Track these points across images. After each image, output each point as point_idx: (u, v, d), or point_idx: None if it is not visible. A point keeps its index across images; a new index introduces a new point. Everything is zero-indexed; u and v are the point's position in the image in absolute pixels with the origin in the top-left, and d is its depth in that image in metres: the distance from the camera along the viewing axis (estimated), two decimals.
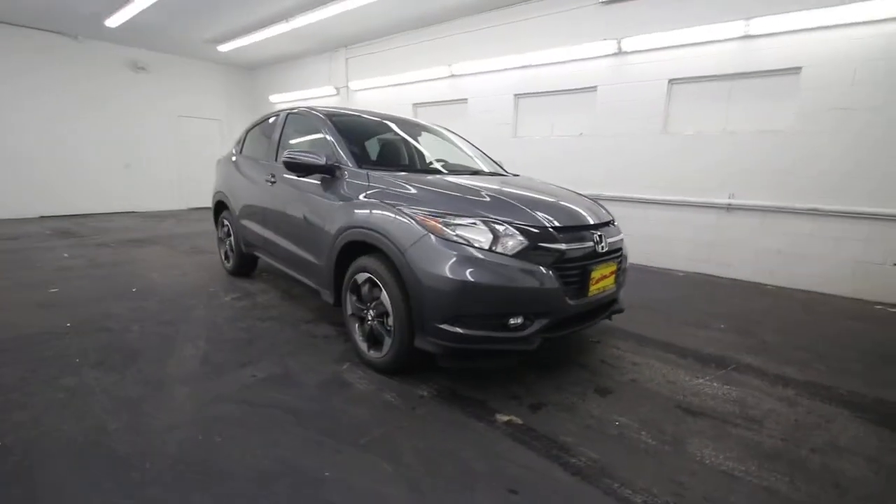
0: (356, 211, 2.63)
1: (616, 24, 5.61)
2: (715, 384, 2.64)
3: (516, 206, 2.36)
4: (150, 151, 9.95)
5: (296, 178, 3.22)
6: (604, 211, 2.89)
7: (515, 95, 6.72)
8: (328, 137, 3.16)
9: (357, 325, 2.73)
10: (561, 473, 1.80)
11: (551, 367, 2.76)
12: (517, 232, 2.23)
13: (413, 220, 2.29)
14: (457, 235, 2.19)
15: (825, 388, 2.64)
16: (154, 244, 6.28)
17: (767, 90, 4.84)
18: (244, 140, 4.50)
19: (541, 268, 2.21)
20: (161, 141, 10.08)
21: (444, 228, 2.21)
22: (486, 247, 2.17)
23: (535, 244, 2.24)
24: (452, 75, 7.31)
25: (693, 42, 5.11)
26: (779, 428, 2.21)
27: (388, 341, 2.47)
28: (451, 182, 2.69)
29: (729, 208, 5.18)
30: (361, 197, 2.66)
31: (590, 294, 2.42)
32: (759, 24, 4.68)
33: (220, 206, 4.71)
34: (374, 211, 2.51)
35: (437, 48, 7.43)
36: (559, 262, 2.28)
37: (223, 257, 4.77)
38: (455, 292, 2.12)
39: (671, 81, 5.39)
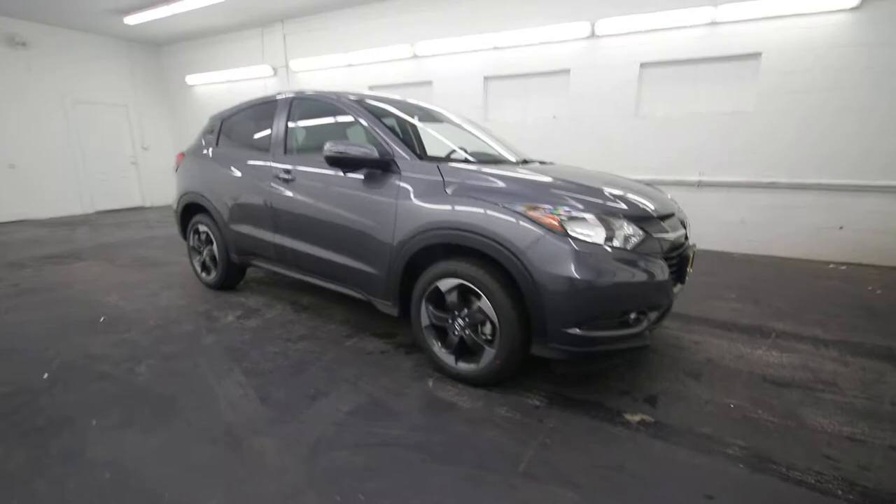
0: (436, 208, 2.33)
1: (589, 7, 5.67)
2: (774, 353, 2.82)
3: (620, 197, 2.25)
4: (42, 146, 8.18)
5: (330, 174, 2.81)
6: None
7: (485, 78, 6.57)
8: (367, 125, 2.77)
9: (435, 336, 2.47)
10: (733, 468, 1.78)
11: (627, 356, 2.75)
12: (632, 224, 2.13)
13: (524, 217, 2.08)
14: (576, 232, 2.04)
15: (855, 344, 2.95)
16: (82, 259, 5.20)
17: (731, 74, 5.25)
18: (219, 130, 3.83)
19: (657, 259, 2.15)
20: (54, 133, 8.33)
21: (563, 225, 2.04)
22: (604, 241, 2.05)
23: (649, 235, 2.16)
24: (415, 56, 6.93)
25: (664, 27, 5.35)
26: (853, 387, 2.41)
27: (487, 352, 2.26)
28: (525, 173, 2.49)
29: (699, 185, 5.59)
30: (437, 193, 2.36)
31: (685, 280, 2.42)
32: (724, 12, 5.02)
33: (190, 210, 4.00)
34: (464, 208, 2.24)
35: (397, 25, 6.97)
36: (666, 252, 2.24)
37: (198, 269, 4.08)
38: (585, 293, 1.98)
39: (643, 65, 5.62)
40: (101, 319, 3.32)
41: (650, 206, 2.32)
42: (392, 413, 2.15)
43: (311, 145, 3.23)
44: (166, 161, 9.37)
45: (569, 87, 6.05)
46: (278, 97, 3.38)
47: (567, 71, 6.03)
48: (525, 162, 3.28)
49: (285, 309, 3.56)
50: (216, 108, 4.53)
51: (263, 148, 3.37)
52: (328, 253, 2.90)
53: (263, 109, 3.50)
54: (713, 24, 5.15)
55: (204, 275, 4.05)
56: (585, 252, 2.00)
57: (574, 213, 2.06)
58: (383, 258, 2.58)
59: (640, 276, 2.07)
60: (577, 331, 2.03)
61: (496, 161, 3.13)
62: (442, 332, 2.45)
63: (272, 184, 3.16)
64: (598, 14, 5.60)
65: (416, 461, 1.81)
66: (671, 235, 2.28)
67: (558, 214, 2.06)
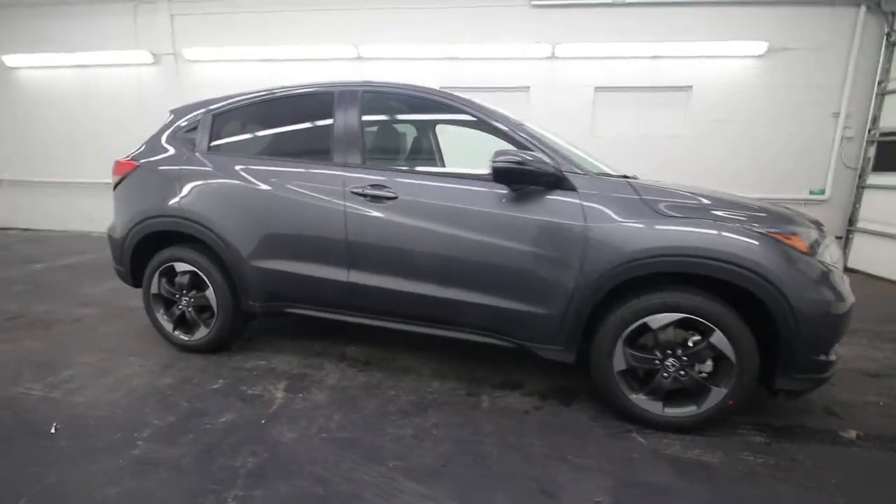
0: (652, 232, 1.97)
1: (548, 29, 5.84)
2: (867, 349, 3.14)
3: (790, 215, 2.22)
4: None
5: (465, 189, 2.23)
6: None
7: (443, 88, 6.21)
8: (509, 130, 2.25)
9: (628, 382, 2.09)
10: None
11: None
12: (830, 243, 2.13)
13: (771, 238, 1.89)
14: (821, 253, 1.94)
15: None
16: None
17: (670, 102, 5.99)
18: (210, 130, 2.71)
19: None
20: None
21: (811, 247, 1.92)
22: (834, 261, 2.00)
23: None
24: (360, 58, 6.18)
25: (616, 56, 5.83)
26: None
27: (715, 393, 1.99)
28: (710, 190, 2.30)
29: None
30: (644, 214, 2.01)
31: None
32: (664, 48, 5.71)
33: (152, 243, 2.73)
34: (694, 230, 1.94)
35: (337, 22, 6.11)
36: None
37: (168, 327, 2.80)
38: (837, 316, 1.89)
39: (597, 89, 6.03)
40: (54, 428, 1.98)
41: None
42: (660, 490, 1.72)
43: (405, 151, 2.51)
44: None
45: (529, 105, 6.13)
46: (334, 88, 2.52)
47: (527, 88, 6.11)
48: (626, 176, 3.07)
49: (339, 367, 2.67)
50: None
51: (316, 154, 2.48)
52: (459, 293, 2.24)
53: (304, 103, 2.60)
54: (656, 57, 5.81)
55: (179, 333, 2.79)
56: (832, 273, 1.92)
57: (810, 235, 1.97)
58: (559, 295, 2.09)
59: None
60: (823, 357, 1.92)
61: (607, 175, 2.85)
62: (645, 377, 2.09)
63: (349, 203, 2.32)
64: (558, 38, 5.82)
65: None
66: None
67: (795, 235, 1.93)
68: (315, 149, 2.53)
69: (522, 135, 2.23)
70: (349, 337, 3.07)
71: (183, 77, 6.56)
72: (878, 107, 5.44)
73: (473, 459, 1.87)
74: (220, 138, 2.72)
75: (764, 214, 2.02)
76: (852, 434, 2.11)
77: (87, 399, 2.25)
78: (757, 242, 1.89)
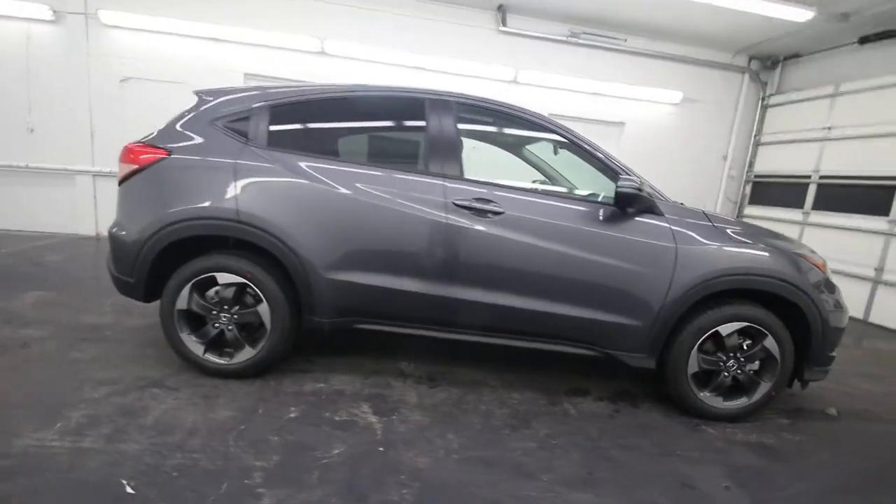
0: (726, 253, 2.33)
1: (512, 55, 6.24)
2: None
3: (807, 246, 2.81)
4: None
5: (568, 209, 2.38)
6: None
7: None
8: (603, 157, 2.45)
9: (697, 382, 2.43)
10: None
11: None
12: None
13: (806, 261, 2.40)
14: (830, 271, 2.51)
15: None
16: None
17: (608, 135, 6.83)
18: (268, 121, 2.38)
19: None
20: None
21: (825, 266, 2.47)
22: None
23: None
24: (324, 53, 5.82)
25: (566, 88, 6.48)
26: None
27: (762, 387, 2.44)
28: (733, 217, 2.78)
29: None
30: (718, 238, 2.37)
31: None
32: (603, 87, 6.54)
33: (183, 249, 2.30)
34: (755, 252, 2.36)
35: (302, 10, 5.67)
36: None
37: (197, 350, 2.35)
38: (845, 320, 2.48)
39: (550, 115, 6.59)
40: (129, 487, 1.56)
41: None
42: (759, 470, 2.06)
43: (499, 166, 2.53)
44: None
45: None
46: (424, 95, 2.43)
47: None
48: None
49: (407, 384, 2.55)
50: None
51: (404, 161, 2.38)
52: (560, 307, 2.35)
53: (388, 106, 2.47)
54: (596, 94, 6.61)
55: (212, 356, 2.37)
56: (838, 290, 2.50)
57: (816, 257, 2.54)
58: (650, 308, 2.34)
59: None
60: (832, 354, 2.50)
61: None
62: (698, 377, 2.44)
63: (451, 215, 2.27)
64: (521, 64, 6.26)
65: None
66: None
67: (821, 261, 2.49)
68: (403, 155, 2.43)
69: (616, 162, 2.45)
70: (395, 351, 2.93)
71: (94, 44, 5.41)
72: (754, 154, 6.97)
73: (608, 464, 2.00)
74: (280, 132, 2.41)
75: (793, 242, 2.54)
76: (833, 412, 2.75)
77: (141, 446, 1.81)
78: (801, 266, 2.39)
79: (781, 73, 6.72)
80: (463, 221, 2.29)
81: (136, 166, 2.31)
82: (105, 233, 5.28)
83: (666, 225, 2.36)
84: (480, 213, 2.29)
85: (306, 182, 2.29)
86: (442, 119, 2.41)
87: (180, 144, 2.33)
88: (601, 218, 2.35)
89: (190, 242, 2.32)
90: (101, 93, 5.50)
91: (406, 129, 2.58)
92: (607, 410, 2.50)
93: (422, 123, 2.41)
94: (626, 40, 6.37)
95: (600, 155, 2.48)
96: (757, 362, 2.44)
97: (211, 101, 2.46)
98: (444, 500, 1.67)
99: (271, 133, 2.38)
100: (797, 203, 6.13)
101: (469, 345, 2.50)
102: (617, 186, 2.23)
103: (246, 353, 2.38)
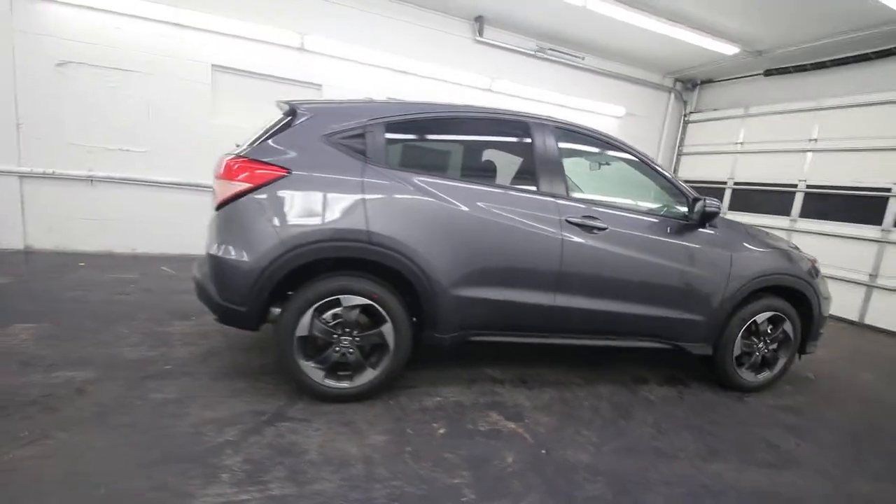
0: (762, 257, 2.90)
1: (487, 65, 6.51)
2: None
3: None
4: None
5: (648, 221, 2.73)
6: None
7: (389, 100, 6.10)
8: (672, 178, 2.83)
9: (739, 363, 2.98)
10: None
11: None
12: None
13: (810, 261, 3.07)
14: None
15: None
16: None
17: None
18: (384, 139, 2.34)
19: None
20: None
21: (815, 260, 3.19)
22: None
23: None
24: (303, 49, 5.49)
25: (534, 99, 6.93)
26: None
27: (780, 362, 3.07)
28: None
29: None
30: (752, 244, 2.93)
31: None
32: (568, 100, 7.14)
33: (306, 268, 2.19)
34: (777, 257, 2.96)
35: (280, 1, 5.26)
36: None
37: (316, 376, 2.25)
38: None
39: None
40: None
41: None
42: (804, 428, 2.64)
43: (599, 185, 2.76)
44: None
45: None
46: (529, 119, 2.58)
47: None
48: None
49: (509, 389, 2.71)
50: None
51: (514, 180, 2.51)
52: (647, 308, 2.70)
53: (493, 128, 2.57)
54: (561, 106, 7.16)
55: (331, 381, 2.29)
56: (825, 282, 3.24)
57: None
58: (710, 305, 2.81)
59: None
60: (822, 331, 3.22)
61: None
62: (742, 357, 2.99)
63: (565, 232, 2.48)
64: (496, 75, 6.56)
65: None
66: None
67: (816, 260, 3.19)
68: (513, 174, 2.54)
69: (681, 183, 2.87)
70: (475, 359, 3.05)
71: (20, 18, 4.44)
72: (678, 163, 8.18)
73: (712, 438, 2.41)
74: (396, 150, 2.38)
75: (795, 245, 3.21)
76: (811, 375, 3.54)
77: (333, 483, 1.74)
78: (809, 265, 3.05)
79: (699, 95, 7.98)
80: (574, 238, 2.52)
81: (248, 185, 2.12)
82: (37, 246, 4.51)
83: (722, 235, 2.85)
84: (587, 229, 2.54)
85: (431, 200, 2.32)
86: (545, 141, 2.60)
87: (298, 161, 2.19)
88: (675, 230, 2.75)
89: (307, 266, 2.20)
90: (29, 77, 4.54)
91: (514, 149, 2.71)
92: (673, 394, 2.94)
93: (528, 143, 2.58)
94: (584, 58, 7.03)
95: (668, 175, 2.87)
96: (777, 343, 3.06)
97: (310, 115, 2.33)
98: (634, 489, 1.91)
99: (389, 150, 2.35)
100: None
101: (535, 347, 2.76)
102: (706, 206, 2.64)
103: (367, 375, 2.34)
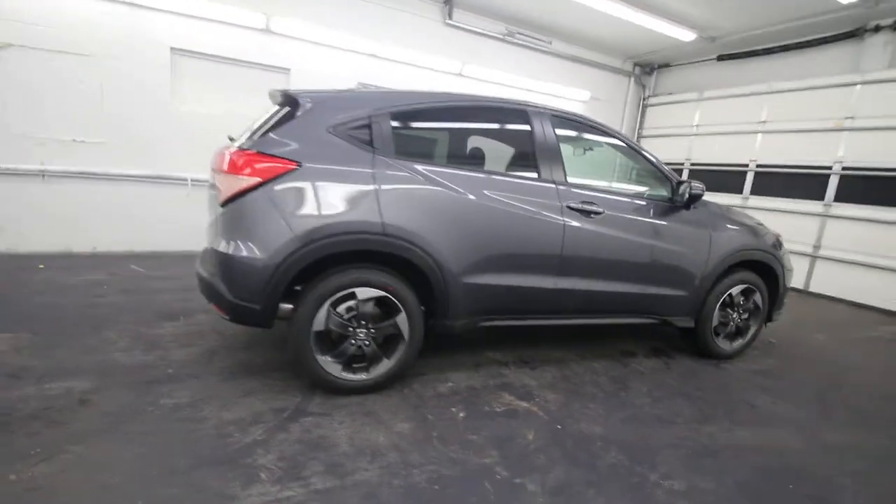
0: (736, 234, 3.14)
1: (458, 49, 6.48)
2: None
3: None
4: None
5: (640, 205, 2.89)
6: None
7: (361, 84, 5.96)
8: (657, 162, 2.98)
9: (716, 332, 3.25)
10: None
11: None
12: None
13: (776, 237, 3.36)
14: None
15: None
16: None
17: None
18: (391, 128, 2.33)
19: None
20: None
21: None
22: None
23: None
24: (269, 30, 5.24)
25: (504, 84, 6.99)
26: None
27: (751, 330, 3.37)
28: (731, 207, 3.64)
29: None
30: (728, 223, 3.17)
31: None
32: (536, 84, 7.24)
33: (317, 266, 2.18)
34: (749, 234, 3.21)
35: None
36: None
37: (334, 371, 2.26)
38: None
39: None
40: None
41: None
42: (776, 389, 2.93)
43: (584, 170, 2.85)
44: None
45: None
46: (527, 107, 2.63)
47: None
48: None
49: (515, 370, 2.83)
50: None
51: (515, 167, 2.57)
52: (640, 287, 2.88)
53: (493, 116, 2.61)
54: (530, 90, 7.23)
55: (347, 374, 2.30)
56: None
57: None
58: (695, 280, 3.03)
59: None
60: (786, 300, 3.55)
61: None
62: (720, 326, 3.26)
63: (566, 217, 2.59)
64: (467, 59, 6.55)
65: None
66: None
67: (780, 235, 3.48)
68: (514, 162, 2.60)
69: (665, 168, 3.03)
70: (474, 344, 3.13)
71: None
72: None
73: (703, 403, 2.64)
74: (402, 140, 2.37)
75: (760, 222, 3.49)
76: (773, 340, 3.91)
77: (372, 473, 1.78)
78: (774, 240, 3.34)
79: (657, 79, 8.33)
80: (574, 222, 2.63)
81: (257, 179, 2.06)
82: None
83: (702, 215, 3.06)
84: (586, 214, 2.66)
85: (440, 190, 2.35)
86: (544, 129, 2.67)
87: (306, 154, 2.14)
88: (662, 211, 2.92)
89: (320, 261, 2.18)
90: None
91: (516, 136, 2.76)
92: (660, 365, 3.17)
93: (528, 131, 2.64)
94: (551, 43, 7.14)
95: (654, 160, 3.03)
96: (748, 313, 3.35)
97: (312, 105, 2.28)
98: (645, 453, 2.08)
99: (396, 141, 2.34)
100: None
101: (531, 329, 2.96)
102: (691, 188, 2.81)
103: (384, 366, 2.37)
